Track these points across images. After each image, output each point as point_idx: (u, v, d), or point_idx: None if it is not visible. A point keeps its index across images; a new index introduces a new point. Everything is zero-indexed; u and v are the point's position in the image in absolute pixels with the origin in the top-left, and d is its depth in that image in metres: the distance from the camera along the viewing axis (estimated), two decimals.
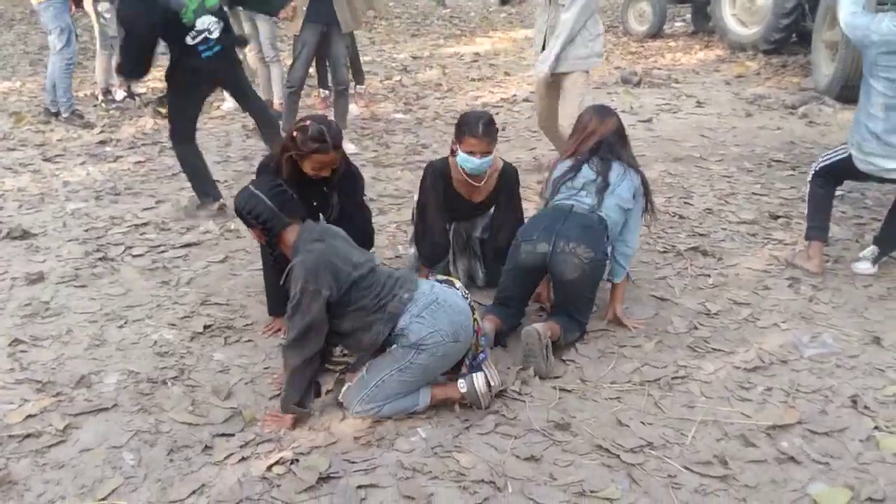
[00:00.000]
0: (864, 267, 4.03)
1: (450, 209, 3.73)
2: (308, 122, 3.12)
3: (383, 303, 2.80)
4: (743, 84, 8.75)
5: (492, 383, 2.89)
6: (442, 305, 2.82)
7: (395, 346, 2.82)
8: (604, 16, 15.03)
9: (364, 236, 3.36)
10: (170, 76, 4.60)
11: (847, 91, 7.51)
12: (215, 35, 4.46)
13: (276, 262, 3.02)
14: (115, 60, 6.29)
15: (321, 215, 3.30)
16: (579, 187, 3.41)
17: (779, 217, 4.81)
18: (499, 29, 12.97)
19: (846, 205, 5.04)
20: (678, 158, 6.06)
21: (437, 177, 3.65)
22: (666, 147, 6.42)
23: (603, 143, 3.47)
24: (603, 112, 3.60)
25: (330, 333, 2.80)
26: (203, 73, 4.57)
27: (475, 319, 2.92)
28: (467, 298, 2.95)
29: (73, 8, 7.23)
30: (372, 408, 2.82)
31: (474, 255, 3.93)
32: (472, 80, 9.11)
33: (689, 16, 13.19)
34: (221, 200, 4.82)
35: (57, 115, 7.01)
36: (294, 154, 3.13)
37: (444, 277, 3.06)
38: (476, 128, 3.41)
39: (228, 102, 7.65)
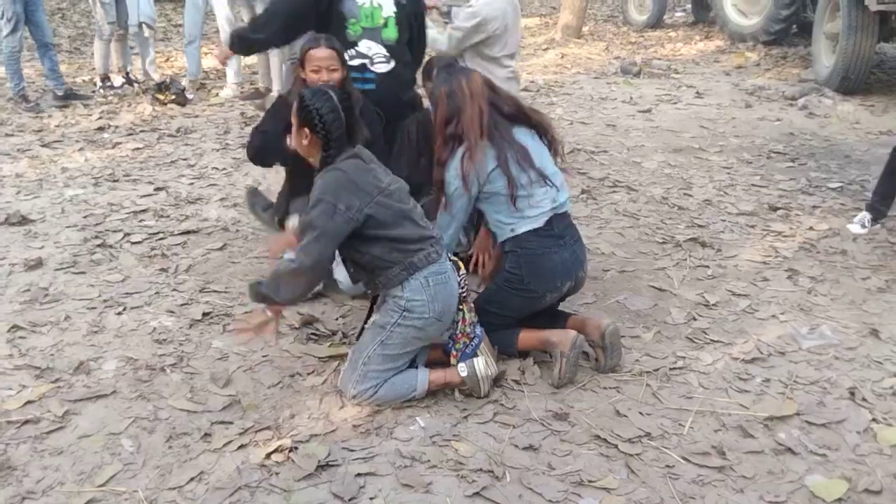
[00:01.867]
0: (856, 229, 4.45)
1: None
2: None
3: (412, 249, 2.76)
4: (743, 75, 8.75)
5: (489, 371, 2.90)
6: (445, 282, 2.82)
7: (387, 301, 2.82)
8: (604, 5, 15.02)
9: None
10: None
11: (847, 82, 7.52)
12: (376, 68, 3.78)
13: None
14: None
15: None
16: (535, 190, 3.03)
17: (778, 209, 4.81)
18: None
19: (845, 196, 5.04)
20: (678, 149, 6.06)
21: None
22: (665, 138, 6.42)
23: (493, 110, 3.04)
24: (463, 70, 3.16)
25: (352, 262, 2.85)
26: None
27: (461, 309, 2.93)
28: (462, 288, 2.95)
29: None
30: (367, 389, 2.82)
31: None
32: None
33: (689, 6, 13.17)
34: None
35: (24, 98, 7.07)
36: (298, 69, 3.44)
37: (455, 259, 3.02)
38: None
39: (227, 90, 7.64)
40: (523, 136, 3.09)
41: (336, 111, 2.72)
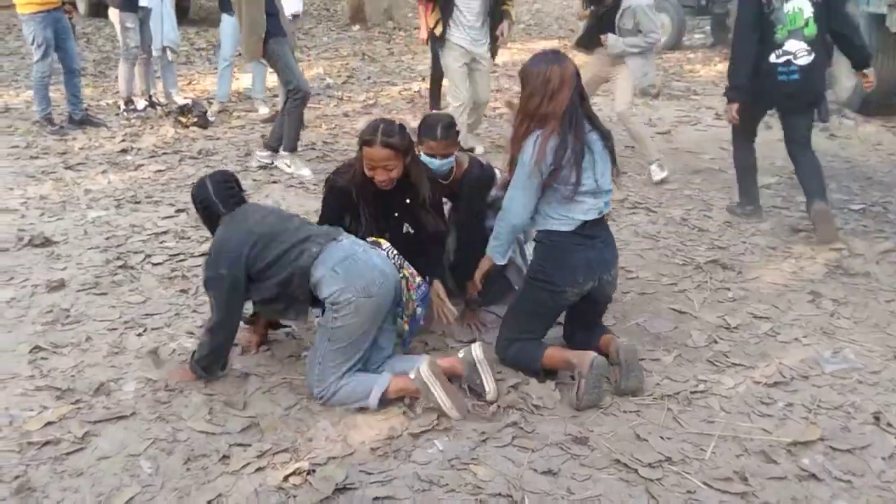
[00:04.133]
0: None
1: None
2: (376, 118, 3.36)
3: (292, 257, 2.94)
4: None
5: (438, 381, 2.88)
6: (356, 262, 2.93)
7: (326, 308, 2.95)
8: None
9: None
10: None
11: (868, 104, 7.46)
12: (801, 62, 4.50)
13: None
14: None
15: (405, 225, 3.45)
16: (585, 187, 3.05)
17: (799, 231, 4.77)
18: (517, 41, 12.96)
19: (868, 218, 4.99)
20: (697, 171, 6.04)
21: None
22: (685, 159, 6.39)
23: (575, 103, 3.06)
24: (558, 56, 3.13)
25: (265, 306, 3.11)
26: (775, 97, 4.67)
27: (404, 277, 3.08)
28: (392, 258, 3.08)
29: (73, 14, 7.42)
30: (323, 391, 2.95)
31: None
32: (492, 90, 9.09)
33: (708, 28, 13.15)
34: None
35: (49, 122, 7.16)
36: (360, 156, 3.28)
37: (372, 239, 3.17)
38: (436, 132, 3.48)
39: (263, 108, 7.68)
40: (595, 140, 3.12)
41: (207, 193, 3.12)
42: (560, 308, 3.23)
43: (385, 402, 2.94)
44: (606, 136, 3.17)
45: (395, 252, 3.16)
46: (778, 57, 4.49)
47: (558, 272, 3.11)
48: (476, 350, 3.02)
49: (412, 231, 3.46)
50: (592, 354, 2.97)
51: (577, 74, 3.09)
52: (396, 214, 3.43)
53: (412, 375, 2.93)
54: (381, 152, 3.17)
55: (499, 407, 2.96)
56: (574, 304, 3.22)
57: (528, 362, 3.15)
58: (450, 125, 3.55)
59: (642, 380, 3.09)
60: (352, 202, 3.37)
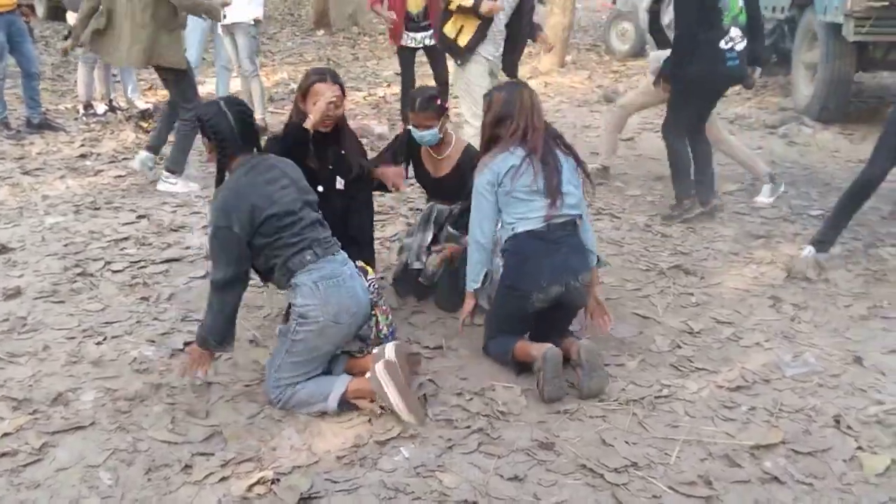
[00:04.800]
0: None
1: (420, 179, 4.04)
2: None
3: (288, 254, 2.89)
4: (724, 103, 8.79)
5: (394, 382, 2.86)
6: (339, 285, 2.92)
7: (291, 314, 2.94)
8: (586, 35, 15.17)
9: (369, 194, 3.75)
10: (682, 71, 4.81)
11: (826, 111, 7.60)
12: (739, 47, 4.74)
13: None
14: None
15: (338, 178, 3.58)
16: (538, 188, 3.19)
17: (760, 236, 4.84)
18: None
19: None
20: (660, 177, 6.09)
21: (408, 142, 3.92)
22: (648, 165, 6.46)
23: (527, 126, 3.24)
24: (516, 86, 3.39)
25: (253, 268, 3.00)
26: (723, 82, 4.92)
27: (374, 315, 3.14)
28: (371, 294, 3.12)
29: (31, 17, 7.34)
30: (280, 395, 2.94)
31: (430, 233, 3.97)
32: (456, 97, 9.11)
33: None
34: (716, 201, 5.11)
35: (6, 126, 7.06)
36: (298, 98, 3.46)
37: (361, 265, 3.24)
38: (414, 104, 3.70)
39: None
40: (557, 154, 3.28)
41: (228, 125, 2.91)
42: (529, 312, 3.24)
43: (344, 403, 2.92)
44: (570, 150, 3.35)
45: (376, 287, 3.29)
46: (726, 43, 4.69)
47: (521, 277, 3.20)
48: (389, 351, 2.95)
49: (343, 188, 3.61)
50: (547, 346, 3.06)
51: (537, 102, 3.30)
52: (331, 167, 3.58)
53: (367, 375, 2.92)
54: (332, 87, 3.41)
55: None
56: (544, 312, 3.25)
57: (500, 355, 3.29)
58: (429, 98, 3.72)
59: (605, 380, 3.11)
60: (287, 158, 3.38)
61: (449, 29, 5.17)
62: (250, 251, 2.88)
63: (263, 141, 3.32)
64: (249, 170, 2.93)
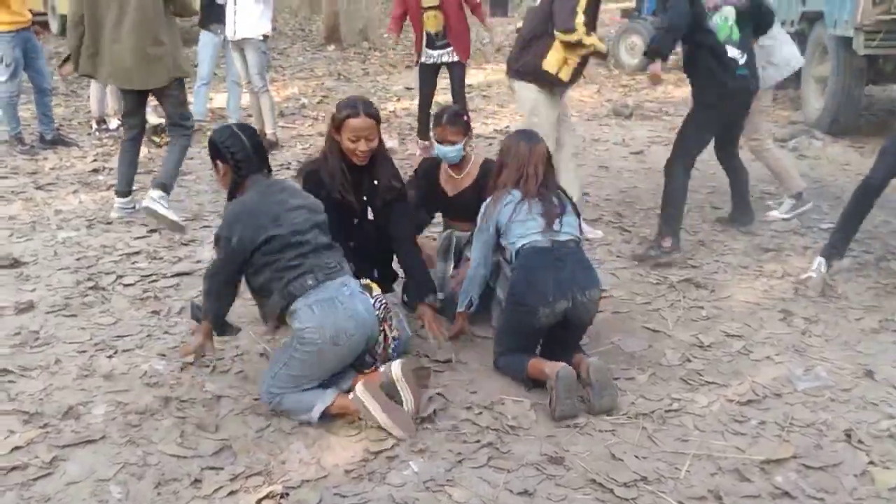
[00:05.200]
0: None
1: (435, 203, 4.04)
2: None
3: (290, 277, 2.92)
4: None
5: (375, 401, 2.87)
6: (337, 306, 2.92)
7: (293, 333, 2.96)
8: None
9: (409, 223, 3.68)
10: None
11: (836, 125, 7.59)
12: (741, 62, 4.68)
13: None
14: None
15: (370, 208, 3.56)
16: (536, 213, 3.31)
17: (770, 250, 4.83)
18: (491, 61, 13.06)
19: None
20: None
21: (427, 170, 4.02)
22: (658, 179, 6.40)
23: (546, 175, 3.41)
24: (531, 137, 3.51)
25: (250, 290, 3.09)
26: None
27: (382, 330, 3.14)
28: (377, 310, 3.12)
29: (43, 33, 7.41)
30: (270, 396, 2.98)
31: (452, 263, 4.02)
32: (470, 111, 9.14)
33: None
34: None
35: (19, 141, 7.12)
36: (332, 130, 3.42)
37: (366, 282, 3.25)
38: (442, 117, 3.77)
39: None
40: (552, 195, 3.39)
41: (244, 146, 3.03)
42: (536, 327, 3.24)
43: (326, 417, 2.94)
44: (572, 203, 3.47)
45: (383, 302, 3.24)
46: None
47: (527, 292, 3.21)
48: (395, 368, 2.96)
49: (373, 218, 3.59)
50: (560, 365, 3.06)
51: (546, 154, 3.45)
52: (365, 198, 3.54)
53: (351, 396, 2.93)
54: (366, 122, 3.35)
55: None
56: (553, 329, 3.26)
57: (514, 373, 3.28)
58: (457, 113, 3.83)
59: (616, 397, 3.10)
60: (322, 191, 3.41)
61: (551, 63, 4.81)
62: (247, 266, 2.97)
63: (270, 157, 3.37)
64: (264, 189, 3.03)
